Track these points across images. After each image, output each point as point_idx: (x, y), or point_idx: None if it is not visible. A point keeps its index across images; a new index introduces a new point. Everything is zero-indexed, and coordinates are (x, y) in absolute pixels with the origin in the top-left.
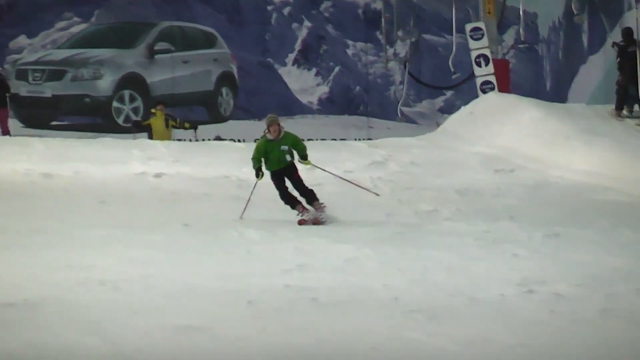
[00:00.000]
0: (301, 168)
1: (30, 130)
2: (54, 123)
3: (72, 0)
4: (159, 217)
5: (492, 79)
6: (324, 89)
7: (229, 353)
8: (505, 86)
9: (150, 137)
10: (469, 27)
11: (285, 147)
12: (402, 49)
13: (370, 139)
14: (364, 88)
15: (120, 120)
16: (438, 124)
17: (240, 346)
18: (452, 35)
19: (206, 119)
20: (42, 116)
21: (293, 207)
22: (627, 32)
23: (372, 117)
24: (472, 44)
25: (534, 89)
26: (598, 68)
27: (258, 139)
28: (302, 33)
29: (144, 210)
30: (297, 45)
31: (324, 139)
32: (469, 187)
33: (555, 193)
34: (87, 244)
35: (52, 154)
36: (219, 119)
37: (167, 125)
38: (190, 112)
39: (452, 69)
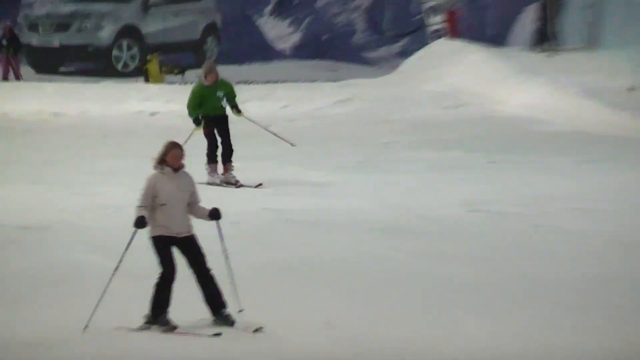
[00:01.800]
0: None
1: (41, 75)
2: (62, 69)
3: None
4: (155, 150)
5: (442, 26)
6: (296, 37)
7: (212, 264)
8: (454, 33)
9: (147, 80)
10: None
11: (220, 94)
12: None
13: (336, 81)
14: (330, 35)
15: (119, 67)
16: (395, 67)
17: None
18: None
19: (194, 64)
20: (51, 63)
21: (208, 163)
22: None
23: (338, 61)
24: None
25: (477, 35)
26: (534, 15)
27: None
28: None
29: (142, 143)
30: None
31: (296, 81)
32: (422, 121)
33: (496, 125)
34: (92, 173)
35: (60, 96)
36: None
37: (160, 70)
38: (179, 58)
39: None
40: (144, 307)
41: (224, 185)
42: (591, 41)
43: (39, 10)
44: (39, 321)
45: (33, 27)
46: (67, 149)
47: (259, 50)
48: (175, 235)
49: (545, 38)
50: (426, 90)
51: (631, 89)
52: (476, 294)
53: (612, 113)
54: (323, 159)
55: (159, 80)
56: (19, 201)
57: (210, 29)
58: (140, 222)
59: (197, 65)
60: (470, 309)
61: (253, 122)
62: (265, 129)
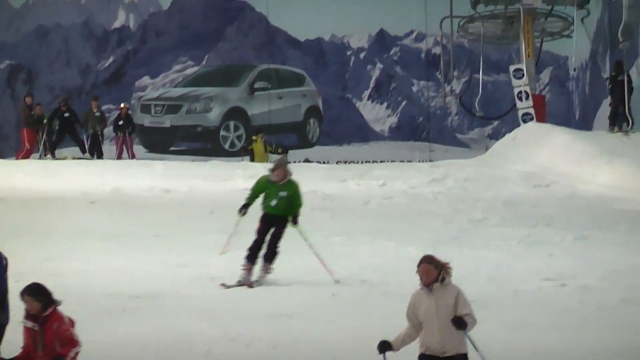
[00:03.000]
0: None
1: (152, 154)
2: (172, 148)
3: (187, 45)
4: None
5: (531, 110)
6: (393, 119)
7: (316, 334)
8: (541, 117)
9: (252, 159)
10: (512, 67)
11: (284, 194)
12: (457, 86)
13: (431, 161)
14: (426, 118)
15: (226, 146)
16: (487, 148)
17: (326, 329)
18: (498, 74)
19: (296, 144)
20: (162, 142)
21: (246, 259)
22: (618, 64)
23: (432, 142)
24: (515, 82)
25: (565, 119)
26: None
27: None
28: (375, 73)
29: (248, 219)
30: (371, 83)
31: (393, 161)
32: (512, 199)
33: (582, 203)
34: (199, 246)
35: (170, 173)
36: (307, 144)
37: (265, 150)
38: (284, 138)
39: (477, 109)
40: None
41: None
42: None
43: (151, 93)
44: None
45: (145, 108)
46: (176, 224)
47: (358, 132)
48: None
49: (617, 120)
50: (516, 170)
51: None
52: None
53: None
54: (419, 234)
55: (264, 159)
56: (131, 272)
57: (312, 111)
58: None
59: (300, 145)
60: None
61: (305, 240)
62: (316, 255)
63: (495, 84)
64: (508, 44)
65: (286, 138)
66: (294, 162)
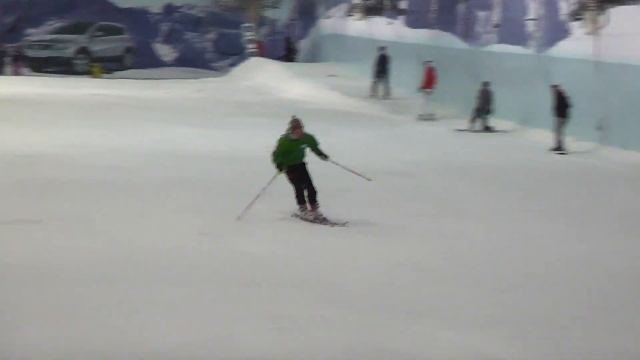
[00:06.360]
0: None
1: (34, 73)
2: (45, 70)
3: (55, 11)
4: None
5: (255, 51)
6: (175, 54)
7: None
8: (261, 54)
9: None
10: (243, 25)
11: (303, 146)
12: (213, 36)
13: (196, 79)
14: (195, 54)
15: (77, 69)
16: (229, 72)
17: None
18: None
19: (119, 68)
20: (39, 66)
21: (299, 204)
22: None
23: (198, 68)
24: (246, 34)
25: (275, 55)
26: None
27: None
28: (164, 28)
29: (86, 110)
30: (161, 34)
31: (174, 79)
32: (244, 102)
33: (285, 104)
34: (54, 123)
35: (44, 84)
36: (125, 68)
37: (99, 72)
38: (111, 65)
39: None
40: None
41: (317, 222)
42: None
43: (34, 37)
44: None
45: (31, 46)
46: (51, 113)
47: (153, 61)
48: None
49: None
50: (246, 85)
51: (331, 75)
52: None
53: (346, 98)
54: (193, 120)
55: (98, 77)
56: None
57: (128, 49)
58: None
59: (120, 69)
60: None
61: (337, 164)
62: (346, 168)
63: (236, 34)
64: (242, 10)
65: (113, 65)
66: (119, 79)
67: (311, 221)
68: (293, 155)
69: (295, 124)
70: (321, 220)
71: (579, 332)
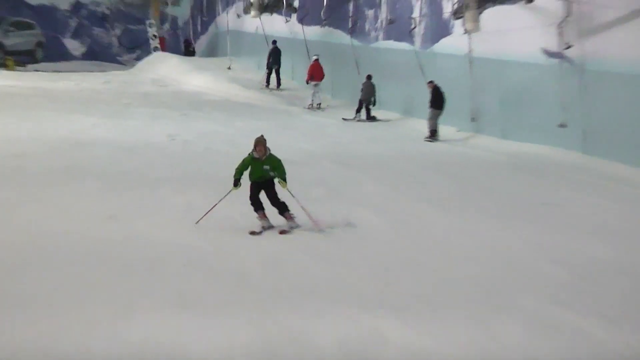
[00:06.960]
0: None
1: None
2: None
3: None
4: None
5: (158, 45)
6: (84, 49)
7: None
8: (163, 49)
9: (6, 69)
10: (147, 21)
11: (267, 167)
12: (119, 32)
13: (104, 72)
14: (101, 48)
15: None
16: (134, 66)
17: None
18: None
19: (30, 61)
20: None
21: (255, 211)
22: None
23: (105, 61)
24: (149, 29)
25: (176, 50)
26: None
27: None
28: (74, 23)
29: (5, 101)
30: (71, 29)
31: (83, 72)
32: (147, 93)
33: (185, 95)
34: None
35: None
36: (36, 62)
37: (13, 64)
38: (24, 59)
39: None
40: None
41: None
42: (213, 53)
43: None
44: None
45: None
46: None
47: (63, 55)
48: None
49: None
50: (148, 77)
51: (228, 68)
52: None
53: (243, 90)
54: (98, 110)
55: (12, 69)
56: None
57: (39, 44)
58: None
59: (31, 62)
60: None
61: (293, 197)
62: (302, 207)
63: (140, 30)
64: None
65: (25, 58)
66: (31, 71)
67: (265, 228)
68: (255, 174)
69: (256, 142)
70: (268, 228)
71: (464, 313)
